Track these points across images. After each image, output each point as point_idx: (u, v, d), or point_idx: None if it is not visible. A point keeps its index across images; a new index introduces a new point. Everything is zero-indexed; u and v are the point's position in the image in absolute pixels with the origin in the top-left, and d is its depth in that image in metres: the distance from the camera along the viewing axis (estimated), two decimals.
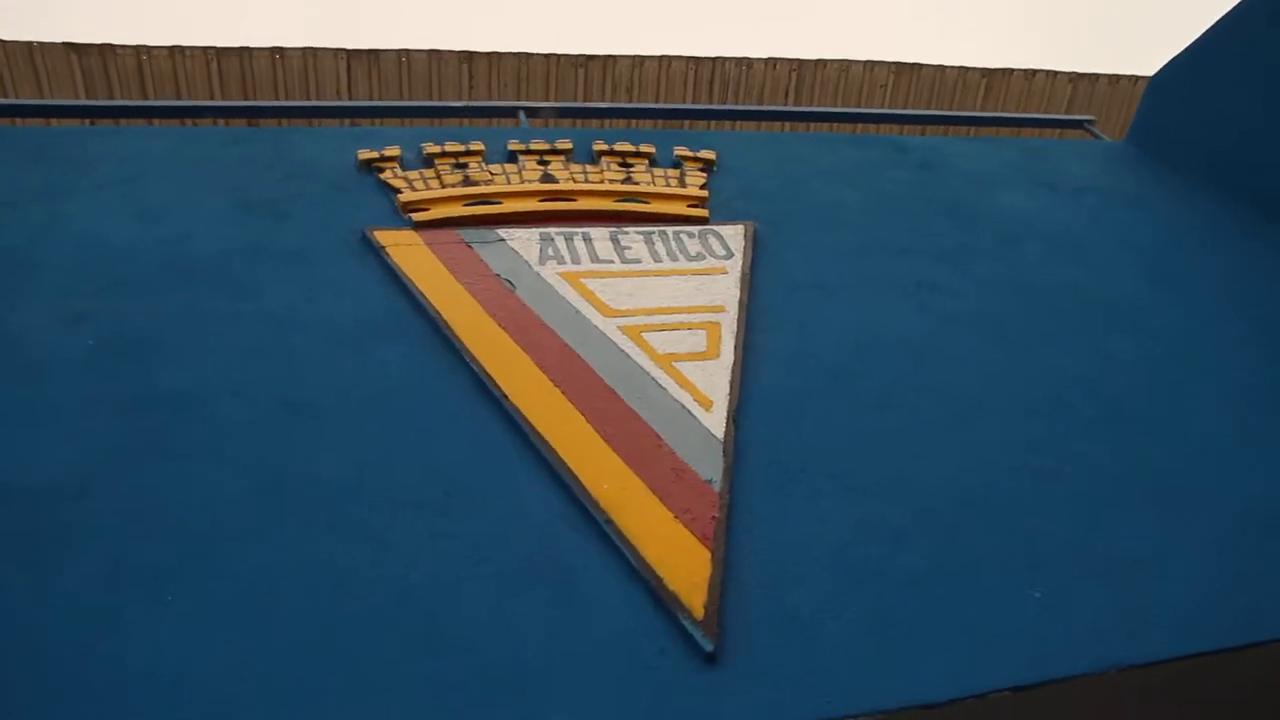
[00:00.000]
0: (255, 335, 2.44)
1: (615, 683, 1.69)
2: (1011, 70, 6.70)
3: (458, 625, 1.77)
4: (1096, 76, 6.56)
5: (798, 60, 7.29)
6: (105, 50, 7.16)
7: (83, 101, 6.21)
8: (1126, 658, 1.80)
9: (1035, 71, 6.57)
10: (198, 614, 1.75)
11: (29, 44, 6.97)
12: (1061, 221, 3.19)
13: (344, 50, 7.54)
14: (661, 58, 7.44)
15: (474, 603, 1.82)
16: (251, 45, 7.43)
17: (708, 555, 1.91)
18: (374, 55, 7.53)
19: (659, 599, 1.83)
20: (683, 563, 1.89)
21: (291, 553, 1.89)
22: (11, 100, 6.06)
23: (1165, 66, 3.69)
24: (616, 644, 1.75)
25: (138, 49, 7.29)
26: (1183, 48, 3.63)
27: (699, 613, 1.79)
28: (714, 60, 7.36)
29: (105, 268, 2.64)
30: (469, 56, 7.54)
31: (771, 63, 7.35)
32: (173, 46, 7.30)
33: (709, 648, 1.73)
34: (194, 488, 2.01)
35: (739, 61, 7.53)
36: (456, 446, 2.17)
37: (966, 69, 6.74)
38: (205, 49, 7.36)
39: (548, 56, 7.57)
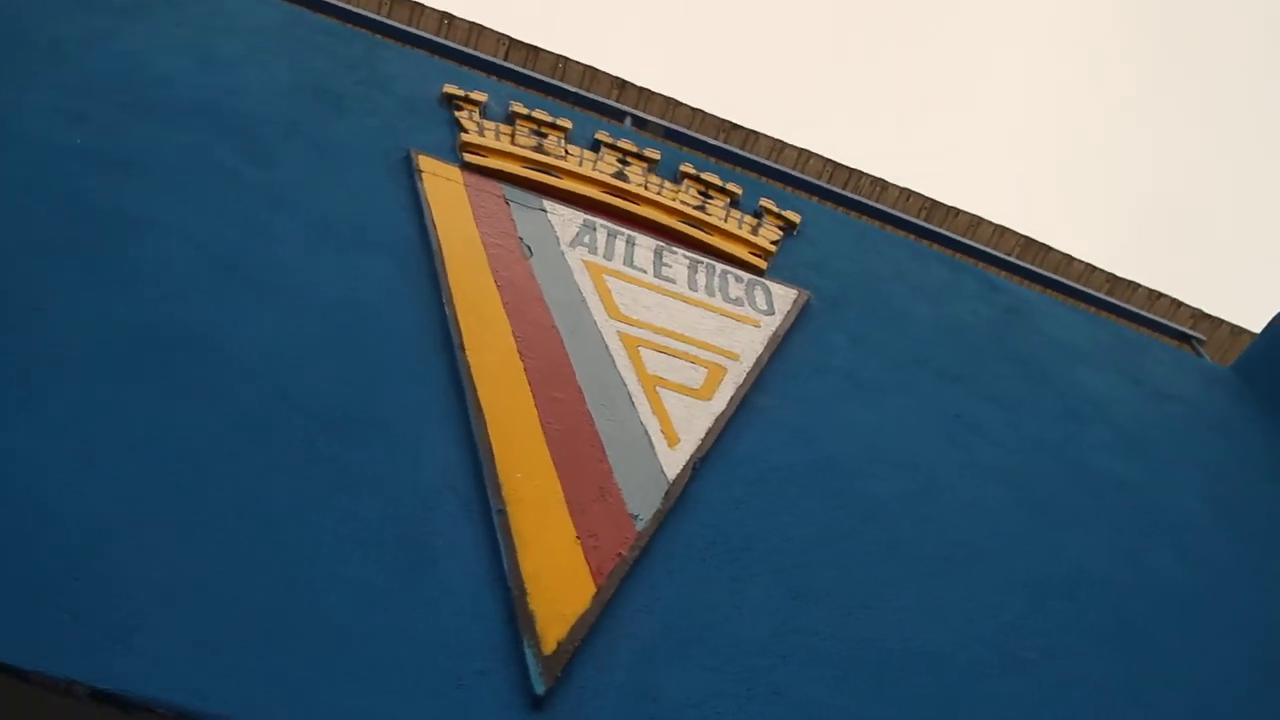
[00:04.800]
0: (241, 198, 2.24)
1: (409, 685, 1.38)
2: (1137, 286, 6.33)
3: (287, 571, 1.48)
4: (1221, 322, 6.14)
5: (931, 200, 7.04)
6: None
7: None
8: None
9: (1161, 295, 6.19)
10: None
11: None
12: (1135, 417, 2.82)
13: (508, 37, 7.56)
14: (801, 150, 7.29)
15: (315, 547, 1.53)
16: (424, 2, 7.51)
17: (592, 592, 1.60)
18: (534, 51, 7.54)
19: (513, 614, 1.52)
20: (559, 587, 1.58)
21: (154, 409, 1.64)
22: None
23: None
24: (437, 642, 1.44)
25: None
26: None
27: (549, 647, 1.47)
28: (850, 171, 7.16)
29: (135, 87, 2.49)
30: (622, 84, 7.49)
31: (906, 193, 7.12)
32: None
33: (540, 690, 1.41)
34: (85, 326, 1.77)
35: (874, 181, 7.32)
36: (387, 377, 1.91)
37: (1094, 268, 6.40)
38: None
39: (695, 110, 7.48)
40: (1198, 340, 3.89)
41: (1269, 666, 2.12)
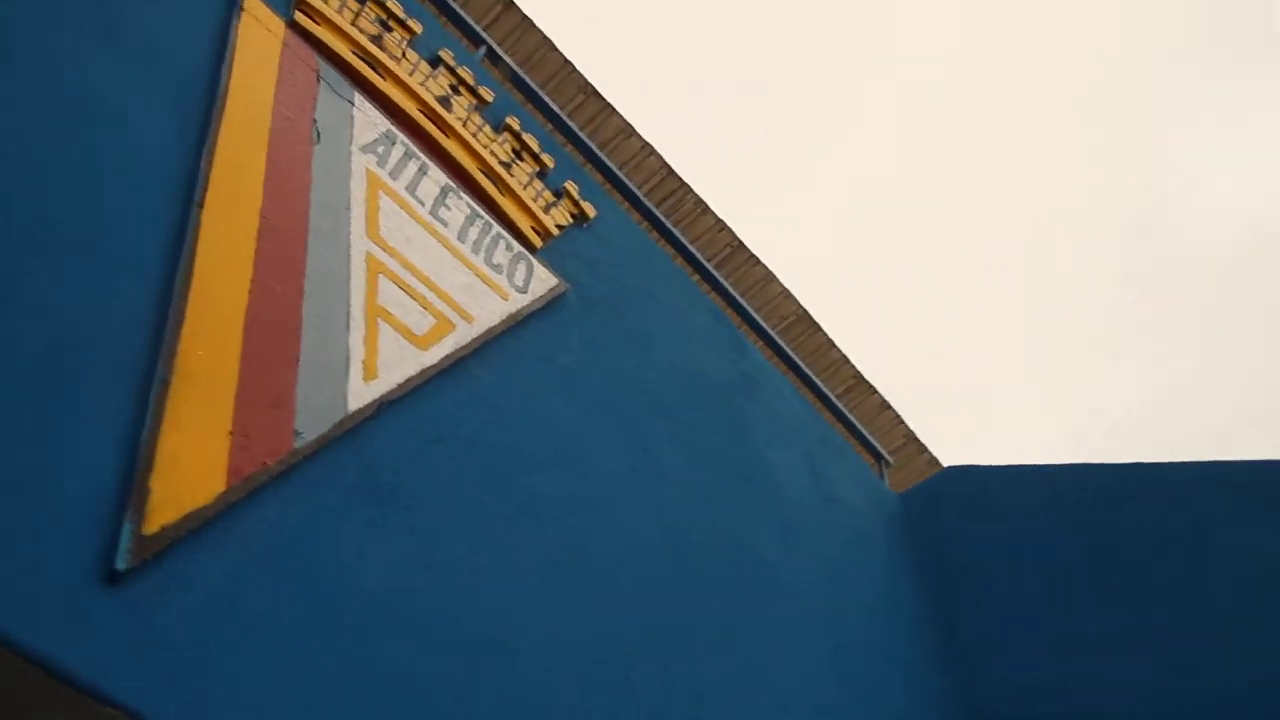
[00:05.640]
0: None
1: None
2: (875, 392, 6.94)
3: None
4: (925, 449, 6.84)
5: (740, 241, 7.37)
6: None
7: None
8: None
9: (889, 407, 6.82)
10: None
11: None
12: (799, 508, 3.13)
13: None
14: (645, 144, 7.42)
15: None
16: None
17: (220, 489, 1.60)
18: None
19: (127, 485, 1.49)
20: (189, 475, 1.57)
21: None
22: None
23: (971, 467, 3.78)
24: (39, 485, 1.40)
25: None
26: (1002, 461, 3.73)
27: (151, 528, 1.47)
28: (681, 182, 7.38)
29: None
30: (508, 3, 7.31)
31: (720, 224, 7.42)
32: None
33: (121, 565, 1.41)
34: None
35: (697, 202, 7.58)
36: (110, 204, 1.81)
37: (848, 360, 6.94)
38: None
39: (566, 62, 7.42)
40: (886, 462, 4.34)
41: None
